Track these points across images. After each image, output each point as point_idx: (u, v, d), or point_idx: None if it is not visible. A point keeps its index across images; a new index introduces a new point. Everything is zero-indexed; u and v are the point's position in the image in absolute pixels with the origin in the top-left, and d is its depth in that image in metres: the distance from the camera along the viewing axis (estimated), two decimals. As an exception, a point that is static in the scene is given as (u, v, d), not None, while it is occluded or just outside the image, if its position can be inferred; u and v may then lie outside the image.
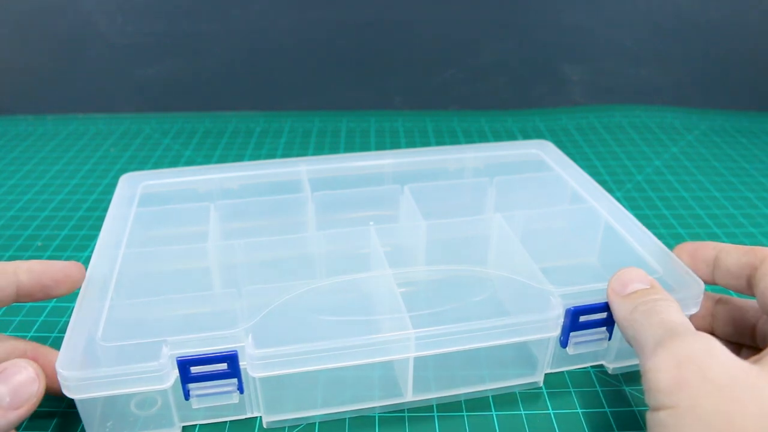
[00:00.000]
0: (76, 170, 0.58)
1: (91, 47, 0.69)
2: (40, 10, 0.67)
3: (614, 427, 0.31)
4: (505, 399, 0.33)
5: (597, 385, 0.34)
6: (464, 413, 0.32)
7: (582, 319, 0.32)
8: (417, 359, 0.30)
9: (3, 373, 0.26)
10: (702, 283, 0.32)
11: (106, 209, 0.39)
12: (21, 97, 0.71)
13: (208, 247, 0.37)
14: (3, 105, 0.71)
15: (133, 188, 0.42)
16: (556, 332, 0.32)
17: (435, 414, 0.32)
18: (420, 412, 0.32)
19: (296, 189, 0.43)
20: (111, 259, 0.35)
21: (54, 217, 0.50)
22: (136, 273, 0.36)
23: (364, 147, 0.63)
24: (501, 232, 0.39)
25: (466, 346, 0.30)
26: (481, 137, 0.65)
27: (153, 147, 0.63)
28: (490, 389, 0.33)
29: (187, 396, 0.29)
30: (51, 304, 0.40)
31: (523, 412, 0.32)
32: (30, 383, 0.26)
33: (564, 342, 0.32)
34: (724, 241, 0.47)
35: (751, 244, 0.46)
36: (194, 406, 0.30)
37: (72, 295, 0.31)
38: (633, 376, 0.34)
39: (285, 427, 0.32)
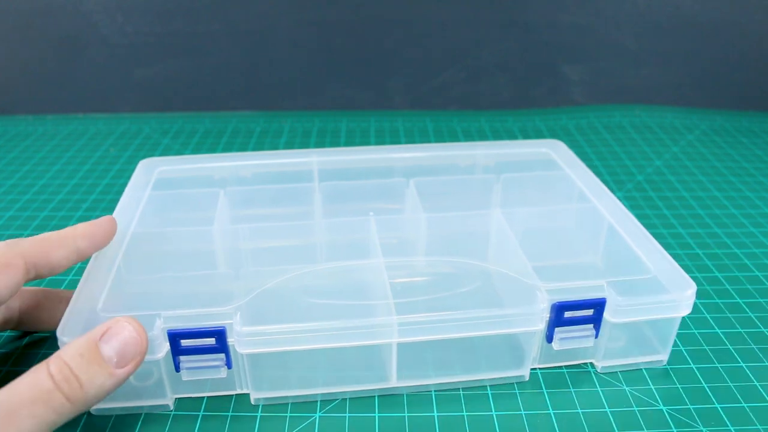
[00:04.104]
0: (76, 170, 0.58)
1: (91, 47, 0.69)
2: (40, 10, 0.67)
3: (614, 427, 0.31)
4: (505, 398, 0.33)
5: (597, 385, 0.34)
6: (464, 414, 0.32)
7: (567, 315, 0.32)
8: (402, 345, 0.31)
9: (108, 332, 0.26)
10: (694, 284, 0.32)
11: (105, 209, 0.40)
12: (21, 97, 0.71)
13: (214, 231, 0.38)
14: (3, 105, 0.71)
15: (149, 173, 0.44)
16: (541, 326, 0.32)
17: (435, 414, 0.32)
18: (418, 401, 0.32)
19: (306, 179, 0.44)
20: (120, 237, 0.36)
21: (53, 217, 0.50)
22: (143, 252, 0.37)
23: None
24: (499, 227, 0.39)
25: (448, 335, 0.31)
26: (481, 137, 0.65)
27: (153, 147, 0.63)
28: (480, 379, 0.33)
29: (177, 368, 0.31)
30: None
31: (523, 412, 0.32)
32: (133, 342, 0.27)
33: (549, 337, 0.33)
34: (725, 241, 0.47)
35: (751, 244, 0.46)
36: (184, 378, 0.31)
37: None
38: (633, 376, 0.34)
39: (285, 405, 0.32)
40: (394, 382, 0.32)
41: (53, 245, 0.31)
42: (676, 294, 0.32)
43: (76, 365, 0.25)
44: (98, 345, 0.26)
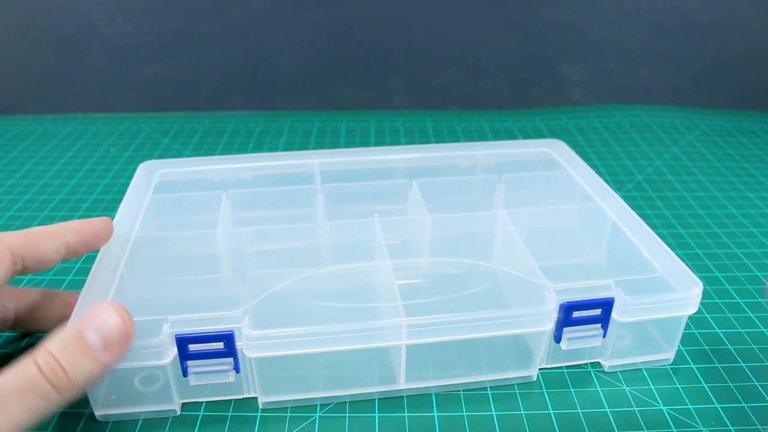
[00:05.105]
0: (76, 170, 0.58)
1: (91, 47, 0.69)
2: (40, 10, 0.67)
3: (614, 427, 0.31)
4: (505, 397, 0.33)
5: (597, 385, 0.34)
6: (464, 413, 0.32)
7: (575, 314, 0.32)
8: (411, 347, 0.31)
9: (91, 318, 0.26)
10: (701, 283, 0.32)
11: (105, 209, 0.40)
12: (21, 97, 0.71)
13: (217, 234, 0.38)
14: (3, 105, 0.71)
15: (150, 176, 0.43)
16: (550, 326, 0.32)
17: (435, 414, 0.32)
18: (419, 401, 0.32)
19: (308, 181, 0.44)
20: (123, 241, 0.36)
21: (53, 217, 0.50)
22: (146, 256, 0.37)
23: (364, 147, 0.63)
24: (504, 228, 0.39)
25: (458, 336, 0.30)
26: (481, 137, 0.65)
27: (153, 147, 0.63)
28: (486, 380, 0.33)
29: (185, 373, 0.30)
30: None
31: (523, 412, 0.32)
32: (118, 327, 0.27)
33: (557, 337, 0.33)
34: (725, 241, 0.47)
35: (751, 244, 0.46)
36: (192, 383, 0.31)
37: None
38: (633, 376, 0.34)
39: (286, 408, 0.32)
40: (402, 384, 0.32)
41: (42, 237, 0.30)
42: (683, 293, 0.32)
43: (61, 356, 0.25)
44: (83, 333, 0.26)
